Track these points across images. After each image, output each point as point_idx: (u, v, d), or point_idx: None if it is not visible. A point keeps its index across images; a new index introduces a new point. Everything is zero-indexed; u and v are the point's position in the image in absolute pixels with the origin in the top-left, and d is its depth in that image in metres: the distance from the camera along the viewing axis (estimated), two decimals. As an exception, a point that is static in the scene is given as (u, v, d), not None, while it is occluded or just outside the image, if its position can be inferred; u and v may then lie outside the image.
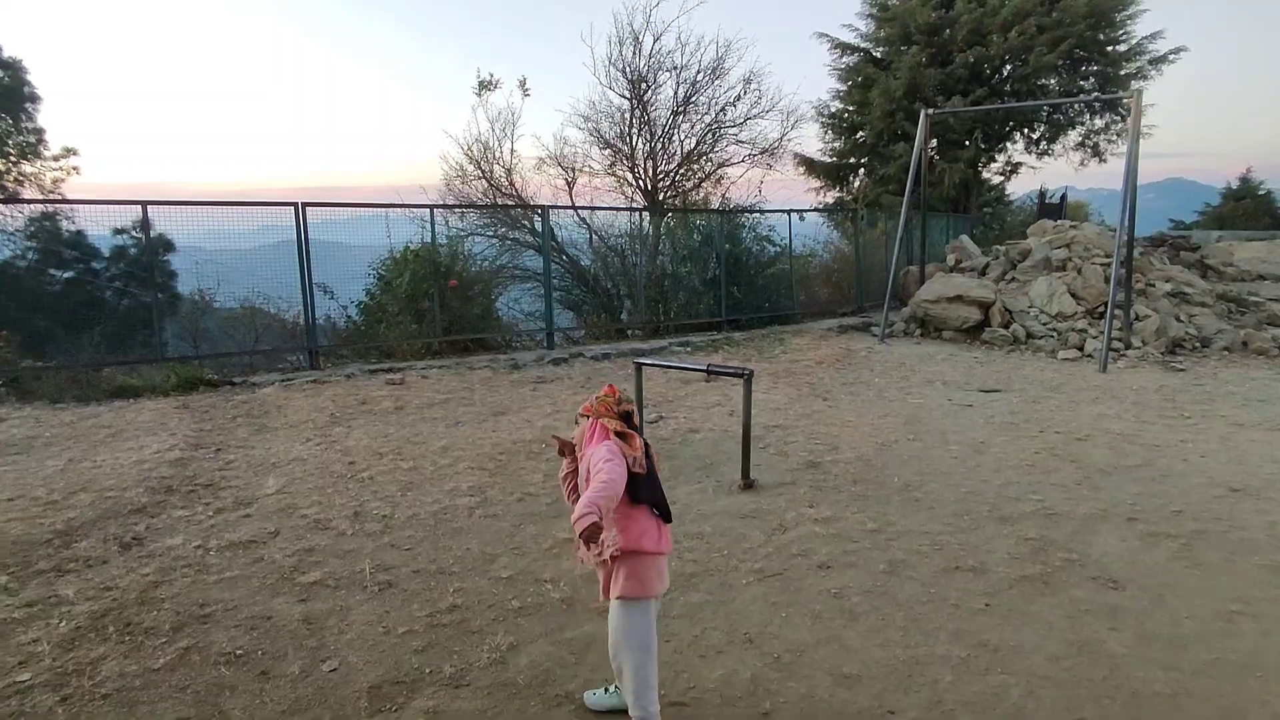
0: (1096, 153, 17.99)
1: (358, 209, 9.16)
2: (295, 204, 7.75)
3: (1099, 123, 17.70)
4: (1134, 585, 3.56)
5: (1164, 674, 2.86)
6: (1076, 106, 17.28)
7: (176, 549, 3.85)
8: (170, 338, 8.77)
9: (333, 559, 3.76)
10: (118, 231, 10.27)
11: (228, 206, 7.87)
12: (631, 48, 11.97)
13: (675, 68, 12.15)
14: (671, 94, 12.37)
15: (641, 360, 5.30)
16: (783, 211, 11.75)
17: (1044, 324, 10.23)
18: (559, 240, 11.56)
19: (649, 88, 12.22)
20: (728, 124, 12.92)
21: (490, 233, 10.90)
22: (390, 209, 9.01)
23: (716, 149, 12.99)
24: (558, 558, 3.80)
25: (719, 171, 13.16)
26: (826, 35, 19.47)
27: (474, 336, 9.18)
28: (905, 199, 10.82)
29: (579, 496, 2.23)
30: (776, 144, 13.57)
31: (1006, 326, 10.23)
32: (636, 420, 2.67)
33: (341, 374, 7.79)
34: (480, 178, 11.85)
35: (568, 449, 2.66)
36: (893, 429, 6.25)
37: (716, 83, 12.43)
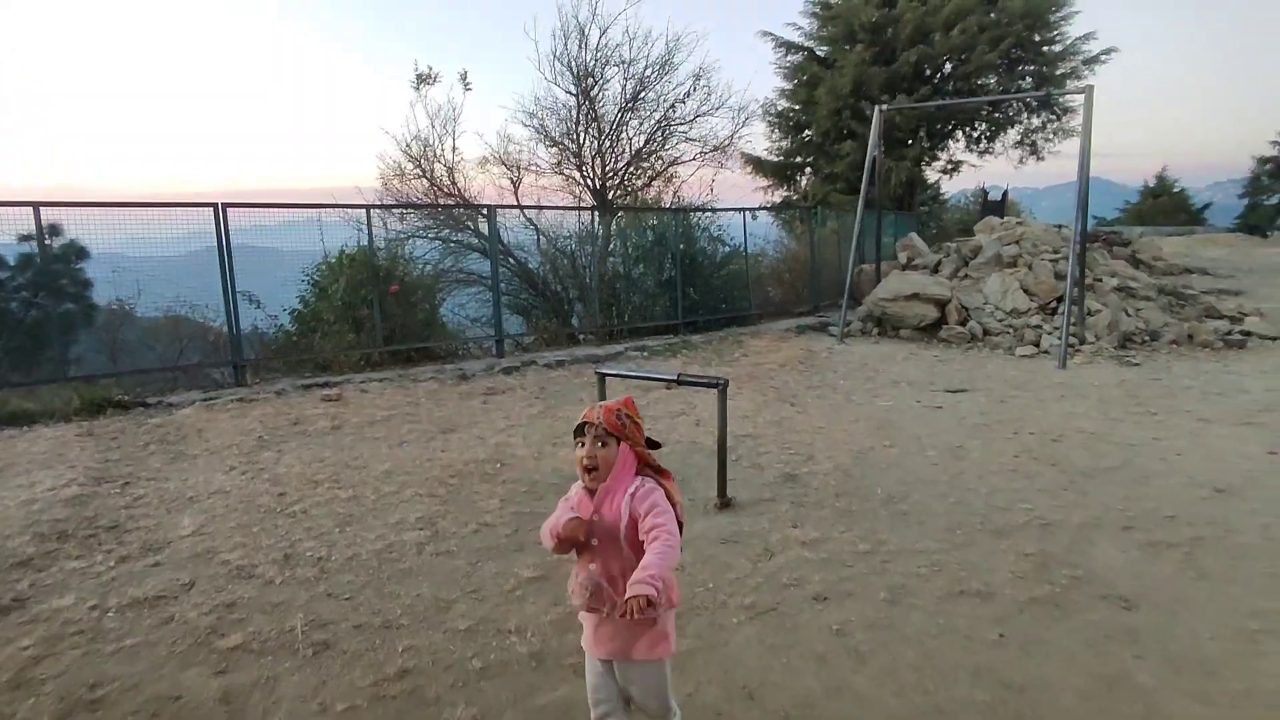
0: (1034, 151, 18.38)
1: (286, 210, 8.46)
2: (215, 205, 7.05)
3: (1036, 121, 18.07)
4: (1146, 603, 3.32)
5: (1201, 708, 2.60)
6: (1016, 105, 17.60)
7: (66, 611, 3.25)
8: (85, 352, 7.94)
9: (258, 615, 3.23)
10: (23, 238, 9.33)
11: (139, 209, 7.11)
12: (577, 41, 11.57)
13: (623, 62, 11.78)
14: (620, 90, 11.99)
15: (604, 370, 4.87)
16: (737, 210, 11.50)
17: (1000, 320, 10.21)
18: (505, 242, 11.03)
19: (596, 83, 11.81)
20: (677, 121, 12.60)
21: (432, 235, 10.30)
22: (322, 210, 8.35)
23: (666, 147, 12.67)
24: (522, 601, 3.35)
25: (670, 170, 12.84)
26: (771, 34, 19.39)
27: (417, 346, 8.60)
28: (861, 196, 10.68)
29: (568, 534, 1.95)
30: (728, 142, 13.33)
31: (963, 324, 10.17)
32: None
33: (271, 390, 7.12)
34: (420, 177, 11.25)
35: (584, 533, 1.99)
36: (866, 435, 5.98)
37: (665, 78, 12.12)
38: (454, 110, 11.04)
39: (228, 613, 3.25)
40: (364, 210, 8.27)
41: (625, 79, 11.89)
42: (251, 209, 7.48)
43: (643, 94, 12.03)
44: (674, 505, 2.02)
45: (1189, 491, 4.72)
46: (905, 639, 3.03)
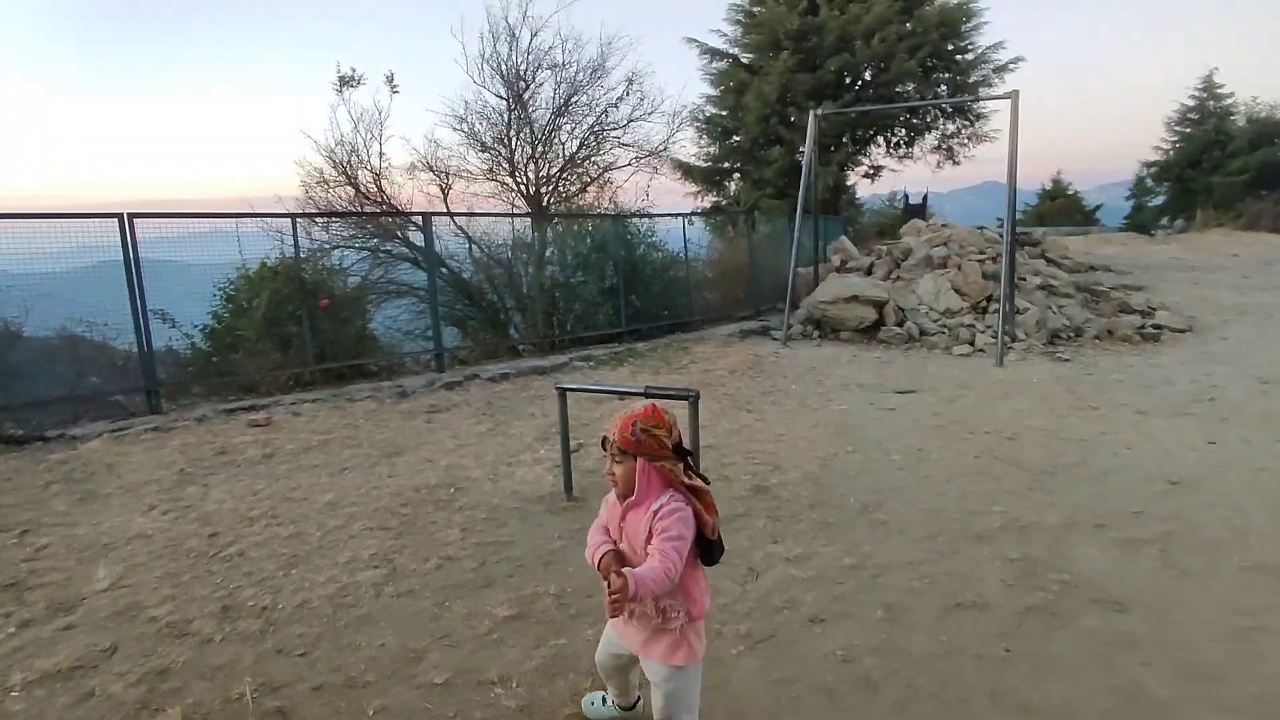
0: (951, 155, 19.07)
1: (198, 220, 7.78)
2: (120, 214, 6.39)
3: (951, 127, 18.77)
4: (1138, 606, 3.30)
5: (1223, 718, 2.56)
6: (933, 112, 18.21)
7: (-41, 695, 2.76)
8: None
9: (198, 682, 2.82)
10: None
11: (30, 220, 6.37)
12: (507, 44, 11.21)
13: (555, 65, 11.50)
14: (552, 94, 11.70)
15: (565, 385, 4.60)
16: (674, 215, 11.37)
17: (935, 321, 10.43)
18: (439, 251, 10.56)
19: (528, 86, 11.48)
20: (610, 126, 12.41)
21: (359, 245, 9.74)
22: (240, 219, 7.73)
23: (601, 152, 12.44)
24: (500, 645, 3.05)
25: (604, 176, 12.62)
26: (695, 40, 19.49)
27: (352, 363, 8.08)
28: (799, 200, 10.73)
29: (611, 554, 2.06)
30: (662, 147, 13.23)
31: (901, 325, 10.35)
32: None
33: (190, 417, 6.51)
34: (345, 184, 10.63)
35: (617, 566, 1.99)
36: (828, 440, 5.91)
37: (599, 82, 11.90)
38: (380, 114, 10.52)
39: (160, 681, 2.83)
40: (289, 220, 7.69)
41: (557, 83, 11.64)
42: (160, 219, 6.82)
43: (575, 98, 11.79)
44: (704, 524, 2.04)
45: (1147, 486, 4.81)
46: (914, 663, 2.89)
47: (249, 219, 7.90)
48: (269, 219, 8.23)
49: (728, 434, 6.13)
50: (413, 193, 11.42)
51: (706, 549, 2.10)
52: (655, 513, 1.99)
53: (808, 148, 10.66)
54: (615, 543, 2.12)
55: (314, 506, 4.60)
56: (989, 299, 10.80)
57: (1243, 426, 6.09)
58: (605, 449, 2.07)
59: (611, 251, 9.92)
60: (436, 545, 4.03)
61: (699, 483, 2.07)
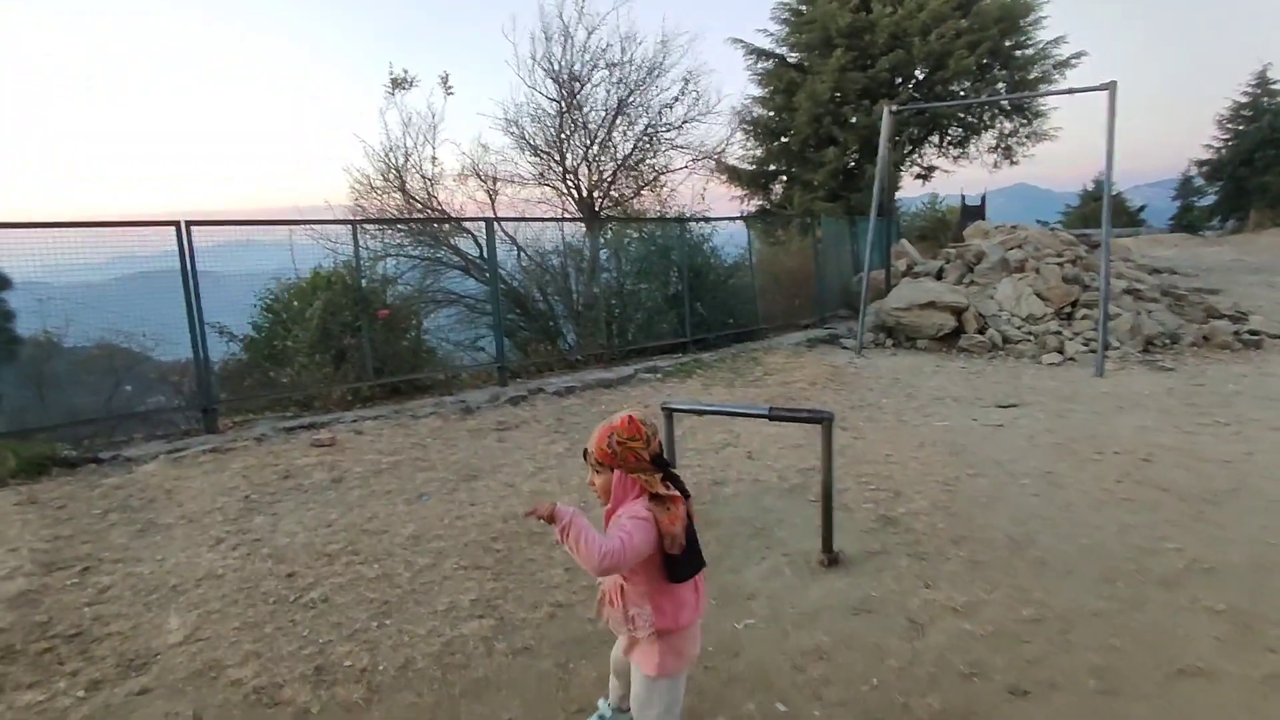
0: (1009, 155, 18.36)
1: (251, 228, 7.45)
2: (177, 223, 6.06)
3: (1009, 126, 18.06)
4: (1400, 674, 2.74)
5: None
6: (991, 110, 17.53)
7: (27, 783, 2.35)
8: (6, 387, 6.80)
9: (300, 768, 2.38)
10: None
11: (89, 230, 6.05)
12: (561, 43, 10.83)
13: (612, 64, 11.08)
14: (606, 94, 11.28)
15: (673, 406, 4.13)
16: (735, 219, 10.87)
17: (1018, 328, 9.81)
18: (486, 259, 10.16)
19: (582, 86, 11.08)
20: (664, 127, 11.95)
21: (415, 253, 9.38)
22: (296, 226, 7.38)
23: (656, 154, 11.99)
24: None
25: (660, 178, 12.16)
26: (741, 40, 19.00)
27: (412, 377, 7.69)
28: (874, 200, 10.18)
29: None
30: (720, 148, 12.76)
31: (983, 332, 9.74)
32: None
33: (249, 437, 6.14)
34: (396, 190, 10.29)
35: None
36: (942, 462, 5.36)
37: (657, 82, 11.46)
38: (434, 117, 10.17)
39: (256, 767, 2.39)
40: (348, 226, 7.34)
41: (614, 82, 11.21)
42: (218, 227, 6.49)
43: (631, 98, 11.35)
44: (664, 534, 1.98)
45: (1331, 517, 4.22)
46: (1162, 752, 2.36)
47: (302, 226, 7.53)
48: (321, 226, 7.90)
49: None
50: (462, 199, 11.01)
51: (670, 563, 2.02)
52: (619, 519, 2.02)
53: (882, 145, 10.11)
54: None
55: (396, 540, 4.17)
56: (1073, 304, 10.15)
57: (1407, 446, 5.44)
58: (585, 460, 2.13)
59: (676, 257, 9.44)
60: (543, 589, 3.57)
61: (673, 493, 2.05)
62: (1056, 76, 17.07)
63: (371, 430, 6.36)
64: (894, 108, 10.42)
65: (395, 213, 10.41)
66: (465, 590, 3.56)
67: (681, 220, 9.73)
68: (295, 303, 7.86)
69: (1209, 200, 36.68)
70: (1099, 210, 38.13)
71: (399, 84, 9.81)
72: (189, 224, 6.12)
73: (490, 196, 11.71)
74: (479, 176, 11.50)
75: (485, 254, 9.00)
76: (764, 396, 7.51)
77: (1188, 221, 35.71)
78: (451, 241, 10.06)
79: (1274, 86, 33.65)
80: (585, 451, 2.14)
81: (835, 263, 12.43)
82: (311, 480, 5.19)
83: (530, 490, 4.97)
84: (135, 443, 6.15)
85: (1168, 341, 9.52)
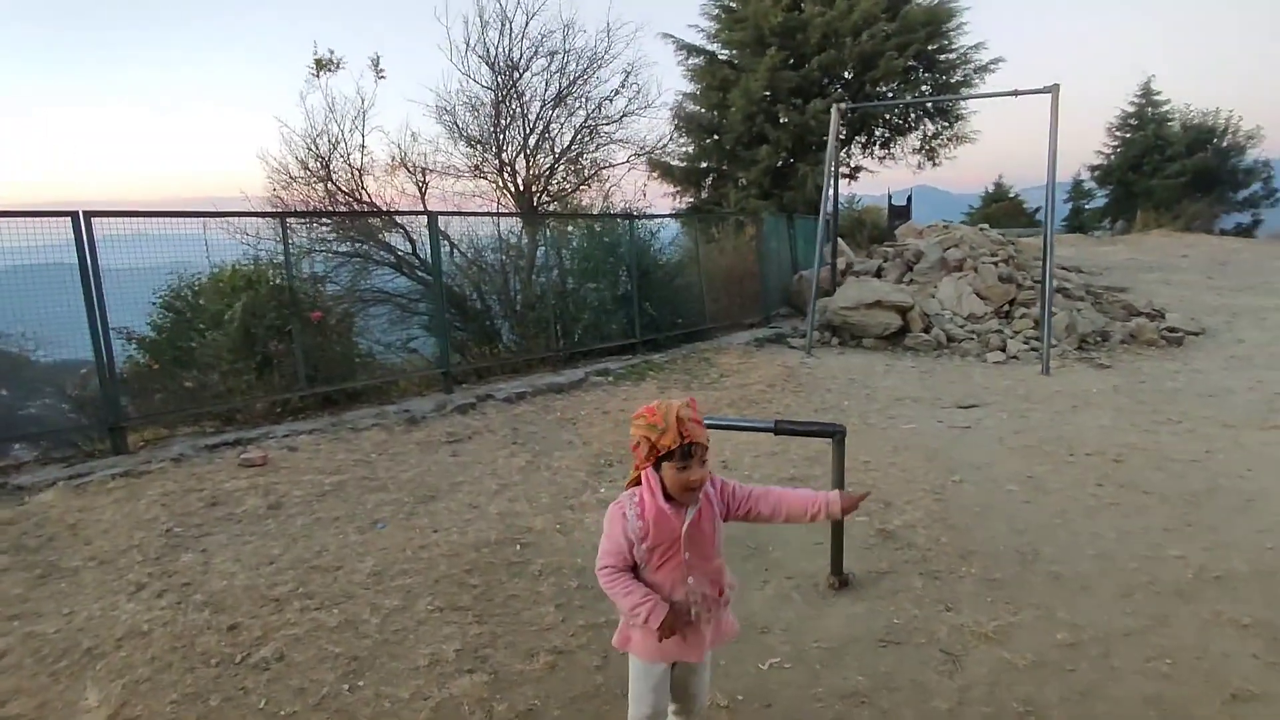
0: (931, 156, 18.85)
1: (158, 220, 6.60)
2: (74, 213, 5.24)
3: (933, 128, 18.55)
4: None
5: None
6: (915, 112, 17.95)
7: None
8: None
9: None
10: None
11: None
12: (498, 28, 10.25)
13: (552, 53, 10.59)
14: (545, 84, 10.78)
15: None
16: (676, 216, 10.58)
17: (961, 326, 9.95)
18: (421, 255, 9.52)
19: (521, 75, 10.54)
20: (604, 121, 11.56)
21: (344, 249, 8.65)
22: (212, 219, 6.60)
23: (596, 148, 11.58)
24: (693, 795, 2.22)
25: (600, 173, 11.76)
26: (672, 36, 18.77)
27: (351, 385, 7.03)
28: (822, 201, 10.11)
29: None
30: (662, 143, 12.43)
31: (927, 331, 9.83)
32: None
33: (164, 457, 5.39)
34: (321, 180, 9.49)
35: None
36: (922, 468, 5.23)
37: (598, 73, 11.04)
38: (364, 102, 9.41)
39: None
40: (266, 220, 6.60)
41: (553, 72, 10.72)
42: (122, 218, 5.68)
43: (570, 89, 10.89)
44: (624, 533, 2.03)
45: (1306, 516, 4.28)
46: (1252, 796, 2.19)
47: (220, 219, 6.76)
48: (242, 219, 7.13)
49: (807, 462, 5.39)
50: (391, 193, 10.29)
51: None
52: (719, 491, 2.05)
53: (830, 142, 10.04)
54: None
55: (355, 578, 3.65)
56: (1010, 303, 10.39)
57: (1345, 441, 5.68)
58: (689, 456, 1.88)
59: (623, 254, 9.08)
60: (534, 632, 3.16)
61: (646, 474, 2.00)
62: (977, 80, 17.64)
63: (308, 446, 5.73)
64: (844, 105, 10.39)
65: (318, 205, 9.61)
66: (446, 638, 3.10)
67: (630, 217, 9.37)
68: (206, 303, 7.06)
69: (1099, 203, 39.07)
70: (1000, 211, 39.70)
71: (324, 66, 9.04)
72: (88, 214, 5.32)
73: (420, 189, 11.04)
74: (408, 168, 10.81)
75: (424, 250, 8.38)
76: (725, 400, 7.26)
77: (1079, 223, 37.91)
78: (382, 237, 9.36)
79: (1157, 97, 36.10)
80: (690, 449, 1.89)
81: (777, 261, 12.37)
82: (244, 508, 4.56)
83: (498, 512, 4.53)
84: (28, 468, 5.30)
85: (1099, 339, 9.86)
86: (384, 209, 9.50)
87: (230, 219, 7.29)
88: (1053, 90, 8.36)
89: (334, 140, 9.45)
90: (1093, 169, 38.89)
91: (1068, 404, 6.99)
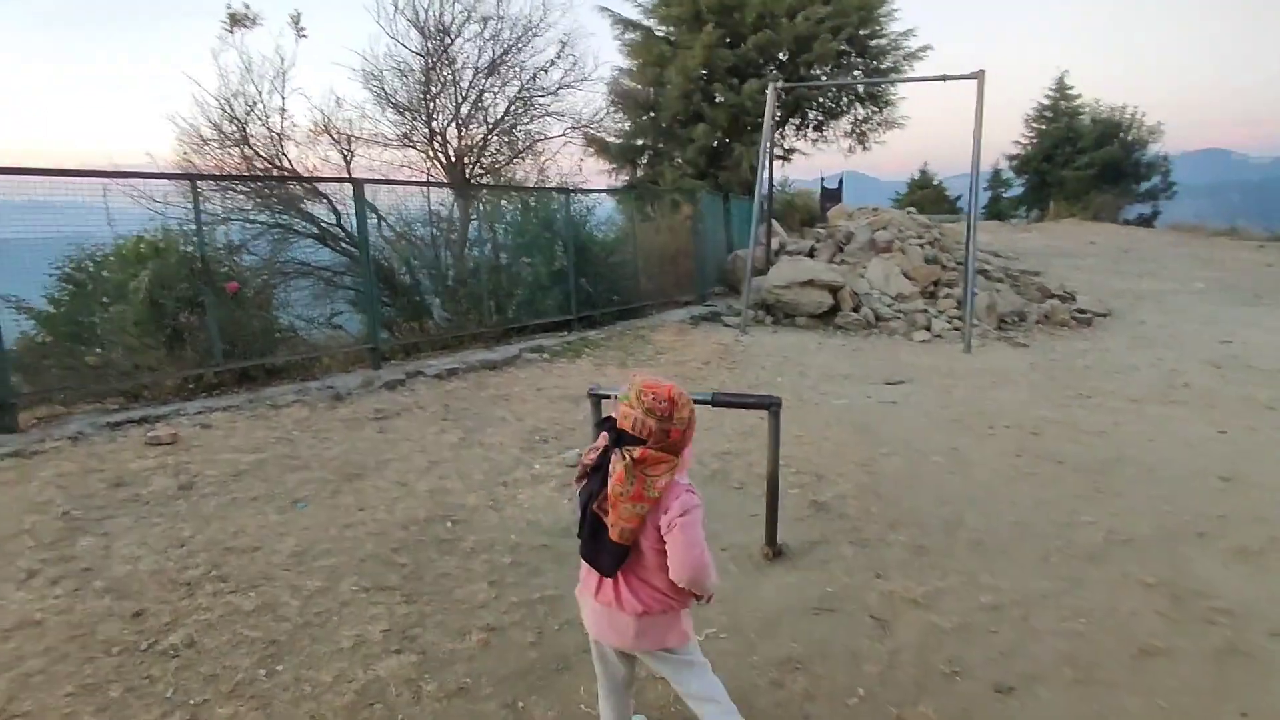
0: (861, 140, 19.22)
1: (56, 187, 6.09)
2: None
3: (863, 112, 18.90)
4: (1318, 636, 2.91)
5: None
6: (847, 96, 18.24)
7: None
8: None
9: None
10: None
11: None
12: (430, -10, 9.80)
13: (486, 18, 10.22)
14: (478, 51, 10.42)
15: (600, 391, 3.71)
16: (613, 191, 10.46)
17: (889, 306, 10.21)
18: (347, 227, 9.12)
19: (452, 40, 10.15)
20: (539, 92, 11.28)
21: (262, 218, 8.16)
22: (115, 180, 6.12)
23: (531, 120, 11.29)
24: (629, 767, 2.20)
25: (536, 146, 11.49)
26: (609, 9, 18.48)
27: (270, 360, 6.69)
28: (757, 182, 10.15)
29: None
30: (598, 117, 12.22)
31: (857, 310, 10.05)
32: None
33: (62, 435, 5.01)
34: (237, 145, 8.92)
35: None
36: (853, 442, 5.34)
37: (533, 42, 10.74)
38: (284, 62, 8.87)
39: None
40: (182, 184, 6.17)
41: (485, 39, 10.37)
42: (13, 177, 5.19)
43: (504, 57, 10.57)
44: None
45: (1201, 482, 4.58)
46: (1159, 743, 2.31)
47: (125, 180, 6.29)
48: (148, 182, 6.64)
49: (741, 436, 5.43)
50: (313, 160, 9.79)
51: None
52: None
53: (767, 122, 10.07)
54: None
55: (274, 560, 3.47)
56: (935, 283, 10.72)
57: (1234, 414, 6.08)
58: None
59: (559, 229, 8.92)
60: (466, 610, 3.07)
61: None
62: (906, 67, 18.02)
63: (223, 423, 5.43)
64: (780, 85, 10.43)
65: (234, 171, 9.07)
66: (373, 619, 2.98)
67: (566, 191, 9.19)
68: (109, 274, 6.58)
69: (1015, 192, 40.74)
70: (925, 199, 40.87)
71: (239, 21, 8.48)
72: (-32, 171, 4.84)
73: (346, 158, 10.56)
74: (332, 135, 10.31)
75: (350, 221, 8.03)
76: (660, 374, 7.23)
77: (998, 211, 39.44)
78: (304, 206, 8.92)
79: (1070, 91, 37.71)
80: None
81: (712, 240, 12.41)
82: (152, 489, 4.28)
83: (428, 489, 4.39)
84: (-103, 448, 4.83)
85: (1017, 319, 10.29)
86: (308, 176, 9.02)
87: (134, 183, 6.79)
88: (978, 76, 8.59)
89: (251, 102, 8.90)
90: (1011, 159, 40.45)
91: (988, 380, 7.27)
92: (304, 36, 8.74)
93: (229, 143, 8.94)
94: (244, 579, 3.28)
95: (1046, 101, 38.13)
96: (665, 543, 1.86)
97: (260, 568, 3.39)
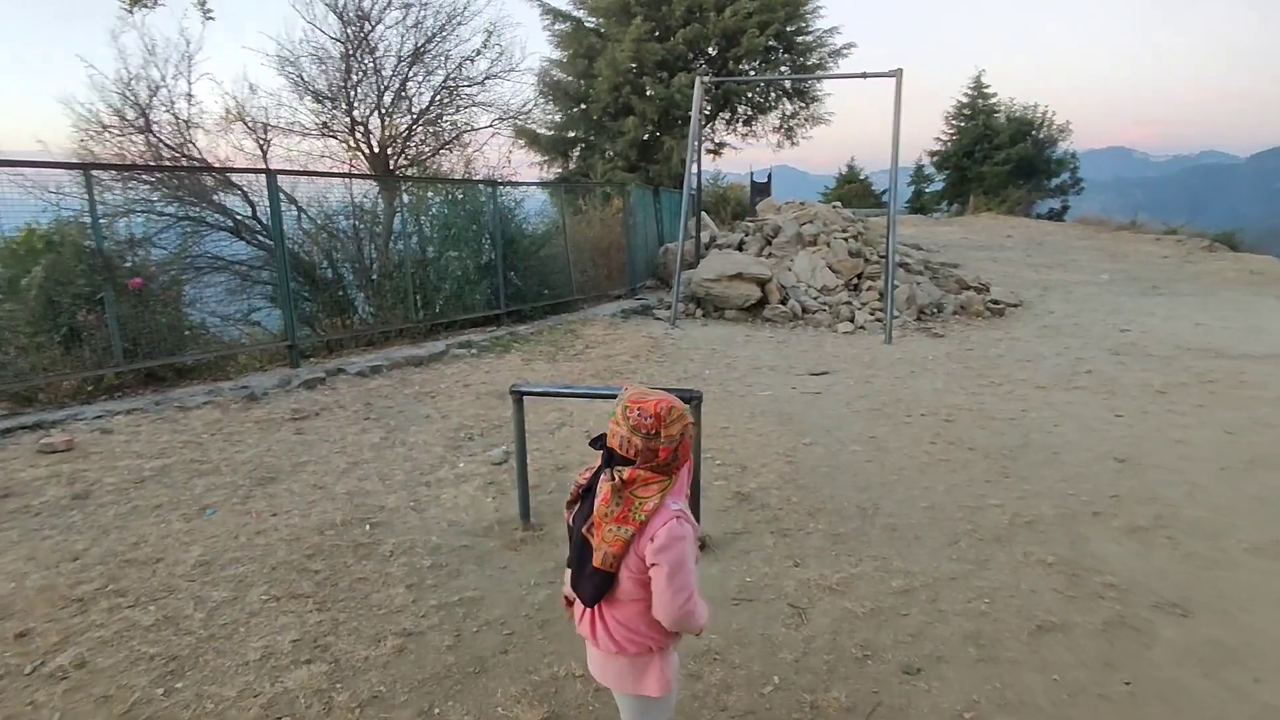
0: (789, 135, 19.58)
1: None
2: None
3: (791, 108, 19.26)
4: (1195, 607, 3.13)
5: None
6: (775, 91, 18.54)
7: None
8: None
9: None
10: None
11: None
12: (349, -26, 9.44)
13: (408, 5, 9.92)
14: (400, 39, 10.11)
15: (524, 389, 3.67)
16: (539, 184, 10.35)
17: (814, 298, 10.44)
18: (263, 219, 8.75)
19: (373, 27, 9.82)
20: (465, 82, 11.05)
21: (170, 210, 7.72)
22: (2, 169, 5.69)
23: (457, 111, 11.04)
24: (545, 768, 2.19)
25: (462, 137, 11.24)
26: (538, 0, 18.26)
27: (177, 360, 6.35)
28: (687, 172, 10.20)
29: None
30: (526, 109, 12.06)
31: (784, 303, 10.23)
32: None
33: (-61, 444, 4.65)
34: (140, 132, 8.41)
35: None
36: (777, 433, 5.45)
37: (457, 31, 10.48)
38: (189, 45, 8.40)
39: None
40: (81, 173, 5.76)
41: (408, 26, 10.08)
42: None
43: (428, 46, 10.30)
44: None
45: (1100, 465, 4.84)
46: (1047, 714, 2.46)
47: (9, 170, 5.87)
48: (38, 170, 6.21)
49: (668, 430, 5.45)
50: (226, 150, 9.35)
51: None
52: None
53: (694, 115, 10.13)
54: None
55: (177, 570, 3.31)
56: (859, 276, 11.01)
57: (1131, 399, 6.46)
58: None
59: (487, 223, 8.77)
60: (382, 615, 2.99)
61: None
62: (831, 64, 18.46)
63: (125, 428, 5.14)
64: (707, 79, 10.49)
65: (138, 160, 8.58)
66: (282, 628, 2.88)
67: (492, 183, 9.04)
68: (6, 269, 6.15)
69: (937, 186, 42.22)
70: (851, 193, 41.87)
71: (139, 1, 8.00)
72: None
73: (262, 148, 10.13)
74: (246, 123, 9.87)
75: (265, 212, 7.69)
76: (589, 371, 7.23)
77: (920, 205, 40.80)
78: (216, 198, 8.51)
79: (987, 90, 39.24)
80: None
81: (644, 234, 12.44)
82: (44, 499, 4.02)
83: (346, 491, 4.26)
84: None
85: (935, 310, 10.66)
86: (217, 166, 8.60)
87: (25, 172, 6.36)
88: (896, 74, 8.85)
89: (154, 86, 8.41)
90: (932, 155, 41.85)
91: (907, 370, 7.51)
92: (211, 19, 8.32)
93: (131, 130, 8.44)
94: (143, 592, 3.12)
95: (965, 99, 39.56)
96: (649, 574, 1.67)
97: (162, 579, 3.22)
